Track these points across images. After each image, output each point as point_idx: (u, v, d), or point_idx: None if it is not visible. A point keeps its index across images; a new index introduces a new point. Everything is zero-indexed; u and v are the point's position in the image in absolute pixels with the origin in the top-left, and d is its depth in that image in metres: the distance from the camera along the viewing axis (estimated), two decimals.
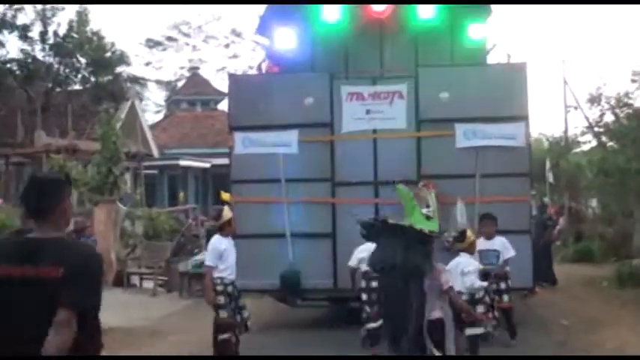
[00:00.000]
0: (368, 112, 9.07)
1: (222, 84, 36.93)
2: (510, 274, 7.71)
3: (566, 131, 22.25)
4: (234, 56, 38.77)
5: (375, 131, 9.09)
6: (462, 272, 6.26)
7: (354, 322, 7.93)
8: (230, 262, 6.96)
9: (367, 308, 7.47)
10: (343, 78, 9.32)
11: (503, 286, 7.57)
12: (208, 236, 8.41)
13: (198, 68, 34.39)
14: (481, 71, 9.23)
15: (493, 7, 9.83)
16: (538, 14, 54.46)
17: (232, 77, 10.30)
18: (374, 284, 7.13)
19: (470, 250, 6.52)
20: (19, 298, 2.58)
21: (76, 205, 18.24)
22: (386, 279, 5.36)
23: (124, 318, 9.07)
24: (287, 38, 9.53)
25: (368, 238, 5.80)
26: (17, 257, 2.61)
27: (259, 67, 10.39)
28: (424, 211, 6.14)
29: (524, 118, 8.86)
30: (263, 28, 10.34)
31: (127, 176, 20.00)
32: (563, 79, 22.42)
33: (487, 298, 6.83)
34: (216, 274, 6.82)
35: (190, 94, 32.28)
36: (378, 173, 9.01)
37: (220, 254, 6.90)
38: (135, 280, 13.66)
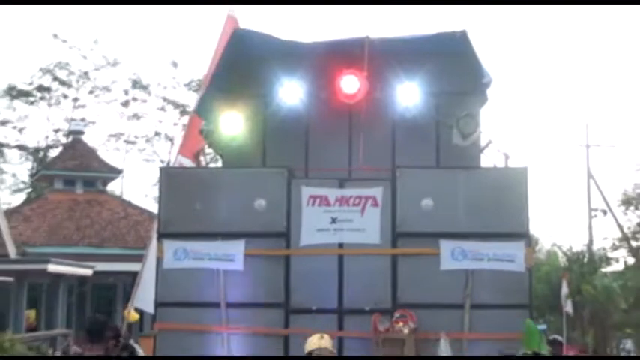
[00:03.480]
0: (334, 221, 10.64)
1: (114, 156, 38.65)
2: None
3: (590, 243, 23.92)
4: (135, 117, 40.40)
5: (341, 245, 10.64)
6: None
7: None
8: None
9: None
10: (304, 177, 11.00)
11: None
12: None
13: (81, 133, 35.58)
14: (472, 176, 10.94)
15: (490, 92, 11.76)
16: (554, 86, 58.83)
17: (165, 171, 11.81)
18: None
19: None
20: None
21: None
22: None
23: None
24: (234, 123, 11.12)
25: None
26: None
27: (197, 158, 12.16)
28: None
29: (524, 235, 10.64)
30: (204, 109, 12.05)
31: None
32: (587, 171, 24.49)
33: None
34: None
35: (68, 168, 33.45)
36: (343, 299, 10.52)
37: None
38: None
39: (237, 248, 10.66)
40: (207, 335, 10.54)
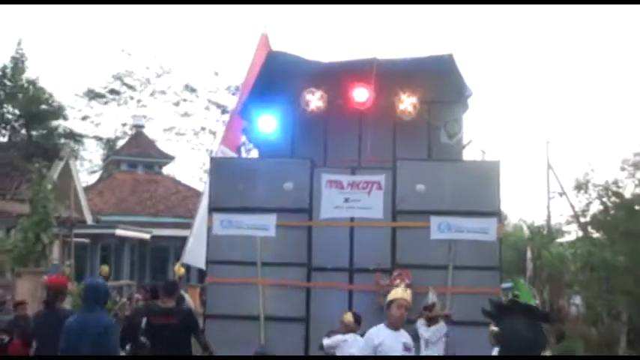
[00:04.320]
0: (346, 200, 10.91)
1: (169, 145, 38.90)
2: None
3: (548, 219, 23.99)
4: (186, 114, 40.58)
5: (352, 219, 10.90)
6: None
7: None
8: None
9: None
10: (323, 166, 11.23)
11: None
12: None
13: (142, 126, 35.87)
14: (456, 167, 11.16)
15: (471, 101, 11.88)
16: (523, 93, 58.76)
17: (214, 160, 12.15)
18: None
19: None
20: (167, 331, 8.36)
21: None
22: (515, 349, 7.27)
23: None
24: (268, 123, 11.40)
25: (493, 316, 7.72)
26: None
27: (239, 150, 12.40)
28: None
29: (496, 213, 10.89)
30: (245, 112, 12.25)
31: (56, 244, 21.15)
32: (547, 162, 24.45)
33: None
34: None
35: (132, 154, 33.81)
36: (353, 260, 10.78)
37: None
38: None
39: (270, 220, 10.92)
40: (247, 286, 10.82)
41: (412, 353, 6.50)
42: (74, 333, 6.90)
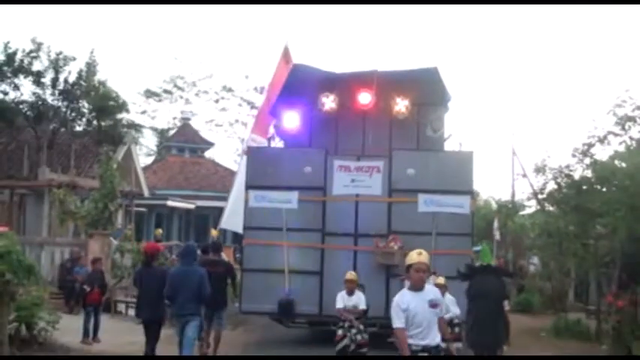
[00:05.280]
0: (353, 180, 11.20)
1: (209, 134, 39.12)
2: None
3: (513, 196, 24.00)
4: (223, 109, 40.83)
5: (357, 196, 11.19)
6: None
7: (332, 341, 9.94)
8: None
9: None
10: (335, 154, 11.46)
11: None
12: None
13: (189, 119, 35.80)
14: (439, 155, 11.44)
15: (451, 104, 12.08)
16: (493, 94, 58.36)
17: (251, 149, 12.47)
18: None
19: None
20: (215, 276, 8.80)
21: (72, 236, 19.81)
22: (483, 301, 7.25)
23: (113, 343, 10.39)
24: (292, 120, 11.65)
25: (466, 276, 7.91)
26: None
27: (269, 141, 12.72)
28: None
29: (469, 192, 11.19)
30: (275, 111, 12.50)
31: (120, 212, 21.45)
32: (512, 150, 24.56)
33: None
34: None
35: (180, 141, 33.71)
36: (358, 227, 11.10)
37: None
38: (121, 307, 14.56)
39: (293, 196, 11.20)
40: (274, 247, 11.10)
41: (439, 308, 5.73)
42: (178, 280, 7.86)
